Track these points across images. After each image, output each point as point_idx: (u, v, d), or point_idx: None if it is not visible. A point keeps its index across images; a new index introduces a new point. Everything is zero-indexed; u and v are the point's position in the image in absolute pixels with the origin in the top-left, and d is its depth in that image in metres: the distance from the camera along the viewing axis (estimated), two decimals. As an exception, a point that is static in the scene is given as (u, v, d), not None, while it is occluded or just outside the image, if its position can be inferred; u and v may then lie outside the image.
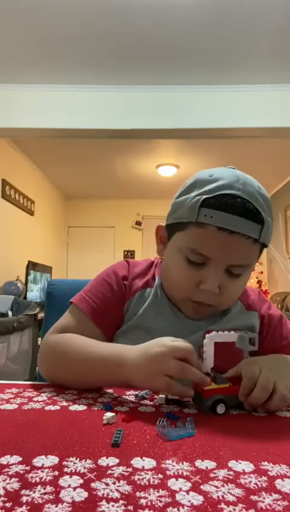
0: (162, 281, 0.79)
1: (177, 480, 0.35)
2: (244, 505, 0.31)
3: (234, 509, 0.31)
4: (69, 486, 0.34)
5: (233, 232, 0.64)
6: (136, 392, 0.63)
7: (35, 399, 0.60)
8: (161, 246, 0.80)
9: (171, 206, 0.74)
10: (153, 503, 0.32)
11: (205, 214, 0.65)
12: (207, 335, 0.59)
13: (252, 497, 0.33)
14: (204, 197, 0.65)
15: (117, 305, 0.78)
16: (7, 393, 0.63)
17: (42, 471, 0.36)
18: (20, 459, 0.39)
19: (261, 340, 0.77)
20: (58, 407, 0.56)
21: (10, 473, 0.36)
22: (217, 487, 0.34)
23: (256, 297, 0.85)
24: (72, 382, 0.67)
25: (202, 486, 0.34)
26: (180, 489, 0.34)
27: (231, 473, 0.37)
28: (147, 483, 0.35)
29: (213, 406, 0.54)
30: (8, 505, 0.31)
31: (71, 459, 0.39)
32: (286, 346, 0.80)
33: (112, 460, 0.39)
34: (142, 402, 0.59)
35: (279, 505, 0.32)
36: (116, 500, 0.32)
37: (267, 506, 0.31)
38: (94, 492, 0.33)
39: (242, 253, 0.68)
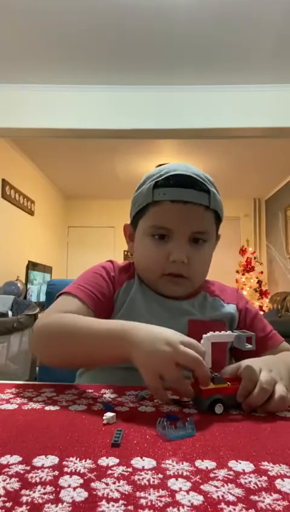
0: (138, 273, 0.85)
1: (177, 480, 0.35)
2: (244, 505, 0.31)
3: (234, 509, 0.31)
4: (69, 486, 0.34)
5: (186, 202, 0.74)
6: (136, 392, 0.63)
7: (35, 399, 0.60)
8: (130, 243, 0.87)
9: (131, 201, 0.84)
10: (153, 503, 0.32)
11: (158, 193, 0.76)
12: (204, 335, 0.59)
13: (252, 497, 0.33)
14: (155, 180, 0.76)
15: (109, 294, 0.81)
16: (7, 393, 0.63)
17: (42, 471, 0.36)
18: (20, 459, 0.39)
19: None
20: (58, 407, 0.56)
21: (10, 473, 0.36)
22: (217, 487, 0.34)
23: (235, 293, 0.91)
24: (71, 354, 0.65)
25: (202, 486, 0.34)
26: (180, 489, 0.34)
27: (231, 473, 0.37)
28: (147, 483, 0.35)
29: (211, 405, 0.54)
30: (8, 505, 0.31)
31: (71, 459, 0.39)
32: (263, 338, 0.83)
33: (112, 460, 0.39)
34: (142, 402, 0.59)
35: (279, 505, 0.32)
36: (116, 500, 0.32)
37: (267, 506, 0.31)
38: (94, 492, 0.33)
39: (198, 219, 0.77)
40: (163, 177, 0.76)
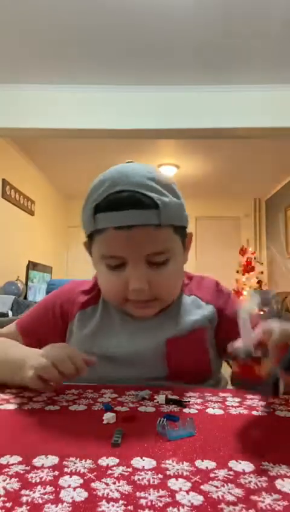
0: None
1: (177, 480, 0.35)
2: (244, 505, 0.31)
3: (234, 509, 0.31)
4: (69, 486, 0.34)
5: (131, 227, 0.65)
6: (136, 392, 0.63)
7: (35, 399, 0.60)
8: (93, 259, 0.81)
9: (81, 218, 0.75)
10: (153, 503, 0.32)
11: (100, 219, 0.67)
12: (240, 310, 0.51)
13: (252, 497, 0.33)
14: (95, 204, 0.68)
15: (53, 327, 0.82)
16: (7, 393, 0.63)
17: (42, 471, 0.36)
18: (20, 459, 0.39)
19: (217, 332, 0.78)
20: (58, 407, 0.56)
21: (10, 473, 0.36)
22: (217, 487, 0.34)
23: (212, 288, 0.83)
24: None
25: (202, 486, 0.34)
26: (180, 489, 0.34)
27: (231, 473, 0.37)
28: (147, 483, 0.35)
29: (276, 384, 0.48)
30: (8, 505, 0.31)
31: (71, 459, 0.39)
32: None
33: (112, 460, 0.39)
34: (142, 402, 0.59)
35: (279, 505, 0.32)
36: (116, 500, 0.32)
37: (267, 506, 0.31)
38: (94, 492, 0.33)
39: (150, 242, 0.67)
40: (103, 197, 0.67)
